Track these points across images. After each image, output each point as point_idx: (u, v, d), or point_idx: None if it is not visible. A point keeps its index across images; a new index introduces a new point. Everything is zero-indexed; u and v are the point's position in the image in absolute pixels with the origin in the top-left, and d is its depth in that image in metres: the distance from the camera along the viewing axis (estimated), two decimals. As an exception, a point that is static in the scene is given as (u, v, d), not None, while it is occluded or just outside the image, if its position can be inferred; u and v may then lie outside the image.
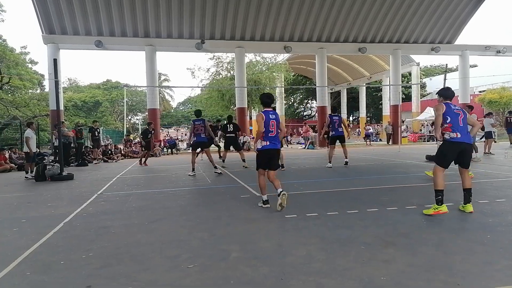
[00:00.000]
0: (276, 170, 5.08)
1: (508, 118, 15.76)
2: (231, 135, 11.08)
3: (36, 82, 32.21)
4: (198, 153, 10.59)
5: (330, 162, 9.94)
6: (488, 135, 12.55)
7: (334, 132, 9.98)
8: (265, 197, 5.02)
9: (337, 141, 10.03)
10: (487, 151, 12.24)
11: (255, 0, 19.08)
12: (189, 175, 9.05)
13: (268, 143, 4.91)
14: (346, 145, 10.36)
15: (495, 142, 16.32)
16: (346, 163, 10.09)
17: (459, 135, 4.22)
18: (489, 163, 9.93)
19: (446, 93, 4.50)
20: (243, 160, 10.56)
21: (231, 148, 11.55)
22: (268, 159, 4.99)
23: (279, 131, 5.04)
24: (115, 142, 25.31)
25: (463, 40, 31.43)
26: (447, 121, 4.28)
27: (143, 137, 12.74)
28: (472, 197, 4.36)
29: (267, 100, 5.05)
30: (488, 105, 28.41)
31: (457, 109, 4.38)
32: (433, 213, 4.21)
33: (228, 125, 11.20)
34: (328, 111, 24.03)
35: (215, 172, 9.12)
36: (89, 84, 53.13)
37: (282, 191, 4.70)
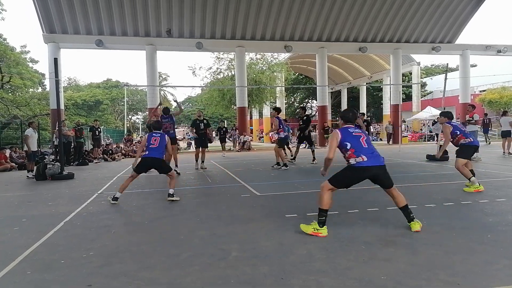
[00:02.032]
0: (166, 173, 6.11)
1: (485, 120, 16.41)
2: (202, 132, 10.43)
3: (37, 81, 32.23)
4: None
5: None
6: (507, 134, 12.02)
7: None
8: (118, 195, 5.76)
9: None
10: (506, 150, 11.81)
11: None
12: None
13: (147, 152, 5.97)
14: None
15: None
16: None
17: (365, 159, 3.67)
18: (489, 162, 9.92)
19: (347, 116, 3.96)
20: (202, 161, 10.34)
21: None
22: (149, 166, 6.02)
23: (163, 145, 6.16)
24: (115, 141, 25.32)
25: (463, 39, 31.41)
26: (348, 147, 3.73)
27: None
28: (413, 214, 3.75)
29: (155, 125, 6.52)
30: (489, 105, 28.38)
31: (356, 132, 3.86)
32: (311, 233, 3.63)
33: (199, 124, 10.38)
34: (329, 111, 24.06)
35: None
36: (89, 83, 53.14)
37: (172, 194, 5.87)
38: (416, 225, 3.68)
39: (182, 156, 16.92)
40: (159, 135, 6.16)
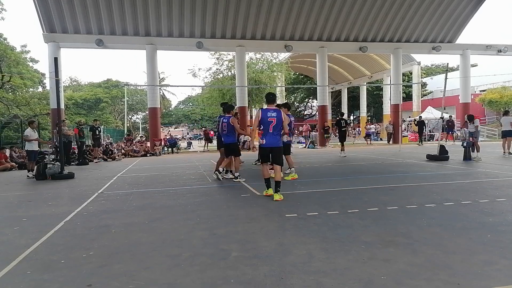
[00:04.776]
0: (227, 156, 7.56)
1: (449, 121, 17.80)
2: None
3: (37, 81, 32.22)
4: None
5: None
6: (507, 134, 11.89)
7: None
8: (237, 174, 7.45)
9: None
10: (506, 150, 11.72)
11: (256, -1, 19.08)
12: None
13: (223, 139, 7.53)
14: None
15: None
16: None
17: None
18: (489, 162, 9.92)
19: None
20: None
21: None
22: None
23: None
24: (115, 141, 25.31)
25: (464, 39, 31.48)
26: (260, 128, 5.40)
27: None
28: (280, 188, 5.46)
29: (226, 107, 7.51)
30: (489, 105, 28.37)
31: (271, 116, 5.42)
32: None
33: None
34: (329, 110, 24.07)
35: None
36: (89, 83, 53.13)
37: (236, 176, 7.51)
38: (276, 196, 5.34)
39: (182, 156, 16.94)
40: (226, 120, 6.95)
